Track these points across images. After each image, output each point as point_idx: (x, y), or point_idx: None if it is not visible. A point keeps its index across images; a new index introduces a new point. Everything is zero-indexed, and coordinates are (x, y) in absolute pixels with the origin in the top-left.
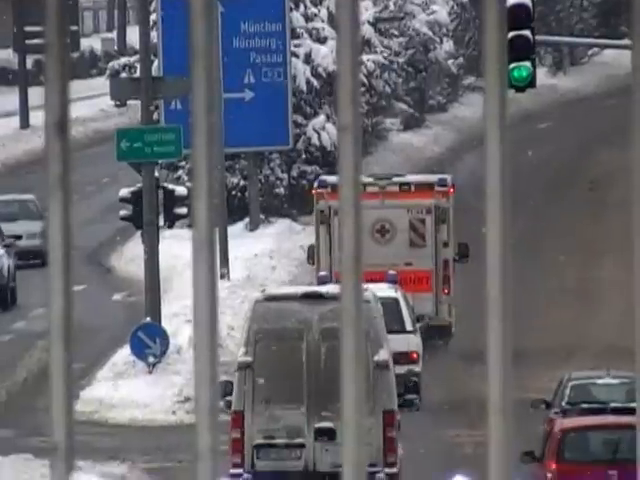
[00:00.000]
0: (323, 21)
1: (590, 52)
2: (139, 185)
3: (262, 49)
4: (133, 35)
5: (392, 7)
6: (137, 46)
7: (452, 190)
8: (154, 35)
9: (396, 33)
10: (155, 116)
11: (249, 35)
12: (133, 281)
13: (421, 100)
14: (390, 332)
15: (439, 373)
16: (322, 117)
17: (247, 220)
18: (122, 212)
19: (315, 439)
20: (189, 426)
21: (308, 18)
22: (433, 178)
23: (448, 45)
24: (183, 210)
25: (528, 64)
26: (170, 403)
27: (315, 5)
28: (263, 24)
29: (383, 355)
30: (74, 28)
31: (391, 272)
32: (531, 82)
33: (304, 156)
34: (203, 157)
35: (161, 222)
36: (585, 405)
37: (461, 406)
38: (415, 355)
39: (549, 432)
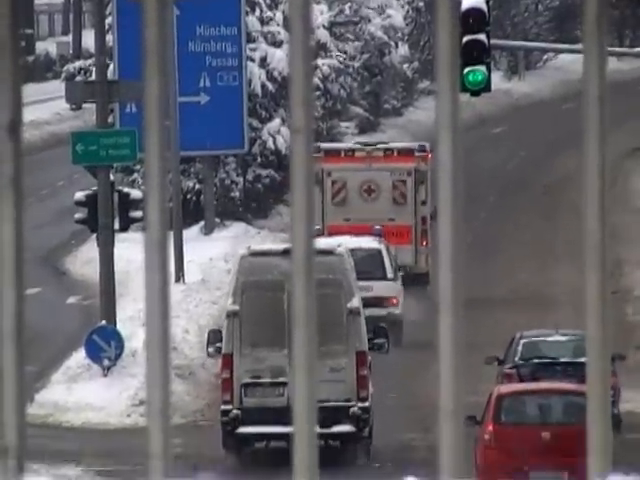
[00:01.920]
0: (279, 25)
1: (545, 57)
2: (94, 188)
3: (218, 53)
4: (89, 39)
5: (347, 11)
6: (93, 50)
7: (430, 155)
8: (110, 39)
9: (351, 37)
10: (110, 119)
11: (205, 38)
12: (88, 284)
13: (376, 104)
14: (373, 279)
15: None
16: (277, 121)
17: (202, 224)
18: (77, 215)
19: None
20: (144, 429)
21: (264, 22)
22: (414, 145)
23: (403, 49)
24: (138, 213)
25: (483, 68)
26: (125, 406)
27: (270, 9)
28: (219, 28)
29: (355, 302)
30: (29, 31)
31: (377, 227)
32: (486, 86)
33: (259, 160)
34: (156, 160)
35: (116, 225)
36: (536, 360)
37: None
38: (395, 300)
39: (489, 397)
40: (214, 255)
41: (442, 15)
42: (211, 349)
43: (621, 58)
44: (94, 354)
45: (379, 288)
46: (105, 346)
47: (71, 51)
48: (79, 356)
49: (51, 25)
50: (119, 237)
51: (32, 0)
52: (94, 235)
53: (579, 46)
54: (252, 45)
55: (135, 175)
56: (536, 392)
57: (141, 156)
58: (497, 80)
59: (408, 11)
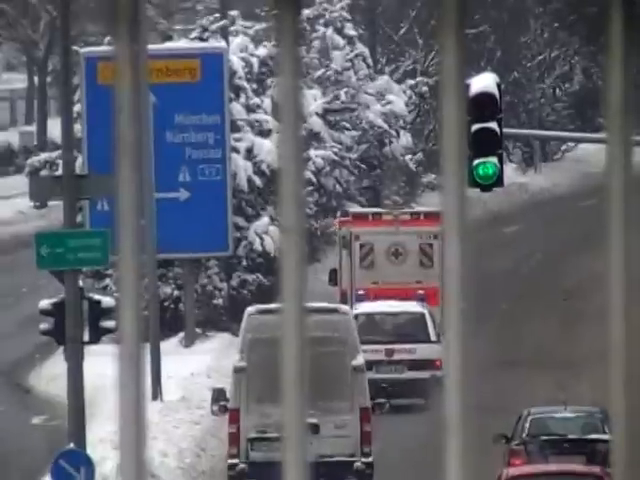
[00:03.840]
0: (266, 112)
1: (564, 147)
2: (61, 296)
3: (199, 144)
4: (55, 128)
5: (343, 97)
6: (59, 140)
7: None
8: (78, 128)
9: (348, 126)
10: (79, 219)
11: (184, 128)
12: (54, 403)
13: (376, 200)
14: (417, 342)
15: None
16: (265, 219)
17: (182, 335)
18: (42, 326)
19: None
20: None
21: (250, 109)
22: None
23: (405, 139)
24: (110, 323)
25: (495, 160)
26: None
27: (257, 95)
28: (200, 116)
29: (359, 360)
30: None
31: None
32: (498, 180)
33: (245, 263)
34: (130, 263)
35: (86, 337)
36: (544, 437)
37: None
38: (438, 363)
39: (498, 477)
40: (195, 370)
41: (448, 101)
42: (215, 407)
43: None
44: None
45: (423, 350)
46: (74, 472)
47: (35, 142)
48: None
49: (13, 113)
50: (89, 350)
51: None
52: (61, 348)
53: (602, 135)
54: (237, 135)
55: (107, 281)
56: (547, 474)
57: (113, 259)
58: (510, 173)
59: (410, 97)
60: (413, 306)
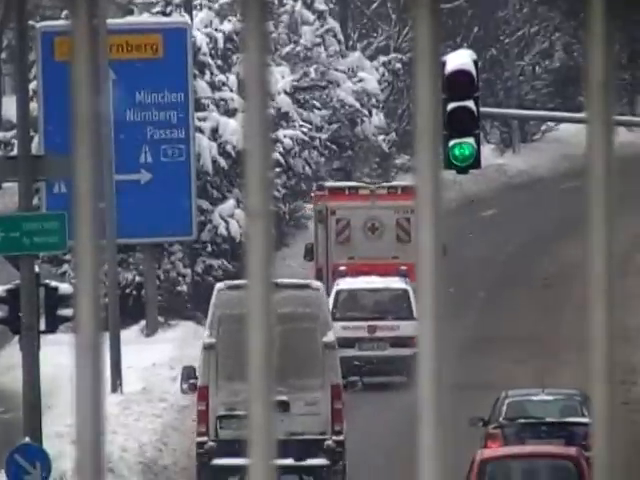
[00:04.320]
0: (232, 90)
1: (543, 127)
2: (16, 282)
3: (161, 123)
4: (10, 106)
5: (313, 74)
6: (14, 119)
7: None
8: (34, 107)
9: (318, 105)
10: (36, 201)
11: (146, 106)
12: (9, 395)
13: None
14: (401, 319)
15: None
16: (231, 202)
17: (143, 323)
18: None
19: None
20: None
21: (215, 87)
22: None
23: (378, 118)
24: (68, 312)
25: (471, 141)
26: None
27: (223, 72)
28: (162, 94)
29: (330, 336)
30: None
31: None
32: (475, 162)
33: (210, 248)
34: (88, 248)
35: (42, 326)
36: (522, 420)
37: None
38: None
39: (472, 459)
40: (157, 360)
41: (422, 78)
42: (185, 385)
43: (631, 128)
44: (16, 477)
45: (406, 328)
46: (29, 468)
47: None
48: None
49: None
50: (45, 339)
51: None
52: (16, 337)
53: (583, 114)
54: (201, 114)
55: (65, 267)
56: (521, 456)
57: (71, 244)
58: (488, 154)
59: (383, 74)
60: (396, 282)
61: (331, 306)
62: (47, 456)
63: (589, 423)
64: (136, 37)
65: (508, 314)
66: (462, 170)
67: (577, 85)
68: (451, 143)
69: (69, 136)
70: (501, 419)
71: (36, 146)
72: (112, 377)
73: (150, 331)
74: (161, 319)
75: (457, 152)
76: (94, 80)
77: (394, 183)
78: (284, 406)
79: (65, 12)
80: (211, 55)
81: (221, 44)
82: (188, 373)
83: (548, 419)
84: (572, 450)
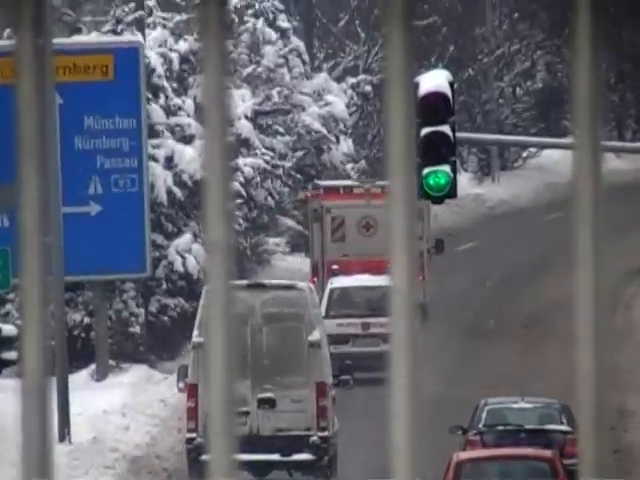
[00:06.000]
0: (189, 115)
1: (525, 154)
2: None
3: (112, 151)
4: None
5: (276, 98)
6: None
7: None
8: None
9: (281, 130)
10: None
11: (95, 133)
12: None
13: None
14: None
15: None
16: (188, 236)
17: (93, 367)
18: None
19: (258, 407)
20: None
21: (170, 112)
22: None
23: (346, 145)
24: (12, 355)
25: (447, 169)
26: None
27: (178, 95)
28: (113, 119)
29: (316, 335)
30: None
31: None
32: (450, 191)
33: (165, 286)
34: (34, 287)
35: None
36: (501, 427)
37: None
38: None
39: (449, 461)
40: (108, 407)
41: (395, 101)
42: (181, 384)
43: (620, 155)
44: None
45: None
46: None
47: None
48: None
49: None
50: None
51: None
52: None
53: (568, 140)
54: (155, 141)
55: (8, 307)
56: (496, 458)
57: (15, 282)
58: (465, 183)
59: (352, 97)
60: (388, 280)
61: (325, 304)
62: None
63: (567, 431)
64: (85, 58)
65: (483, 356)
66: (437, 200)
67: (561, 108)
68: (425, 171)
69: (13, 164)
70: (480, 426)
71: None
72: (60, 425)
73: (100, 375)
74: (112, 362)
75: (432, 181)
76: (40, 105)
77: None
78: (270, 403)
79: (8, 31)
80: (166, 77)
81: (177, 65)
82: (184, 371)
83: (527, 426)
84: (548, 453)
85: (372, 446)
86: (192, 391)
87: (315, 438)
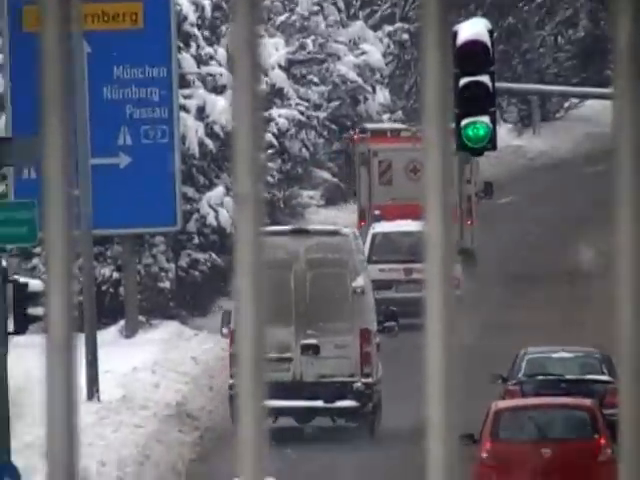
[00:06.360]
0: (221, 65)
1: (567, 104)
2: None
3: (142, 101)
4: None
5: (310, 46)
6: None
7: None
8: (1, 83)
9: (316, 80)
10: (2, 189)
11: (124, 83)
12: None
13: (348, 166)
14: None
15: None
16: (220, 189)
17: (122, 323)
18: None
19: (301, 353)
20: None
21: (201, 61)
22: None
23: (383, 95)
24: (38, 311)
25: (486, 120)
26: None
27: (210, 44)
28: (143, 69)
29: (360, 282)
30: None
31: None
32: (490, 143)
33: (197, 240)
34: (60, 241)
35: (10, 326)
36: (540, 377)
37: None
38: (456, 282)
39: (487, 410)
40: (138, 364)
41: (431, 50)
42: (225, 330)
43: None
44: None
45: None
46: None
47: None
48: None
49: None
50: (14, 341)
51: None
52: None
53: (610, 90)
54: (186, 91)
55: (35, 261)
56: (535, 407)
57: (42, 236)
58: (504, 135)
59: (389, 46)
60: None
61: (367, 249)
62: (16, 471)
63: (608, 381)
64: (113, 5)
65: (525, 316)
66: (476, 152)
67: (604, 57)
68: (464, 122)
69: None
70: (520, 376)
71: (3, 127)
72: (88, 383)
73: (130, 332)
74: (142, 319)
75: (470, 132)
76: (65, 53)
77: None
78: (314, 349)
79: None
80: (197, 25)
81: (209, 13)
82: (228, 317)
83: (567, 376)
84: (588, 402)
85: (417, 392)
86: (235, 337)
87: (359, 384)
